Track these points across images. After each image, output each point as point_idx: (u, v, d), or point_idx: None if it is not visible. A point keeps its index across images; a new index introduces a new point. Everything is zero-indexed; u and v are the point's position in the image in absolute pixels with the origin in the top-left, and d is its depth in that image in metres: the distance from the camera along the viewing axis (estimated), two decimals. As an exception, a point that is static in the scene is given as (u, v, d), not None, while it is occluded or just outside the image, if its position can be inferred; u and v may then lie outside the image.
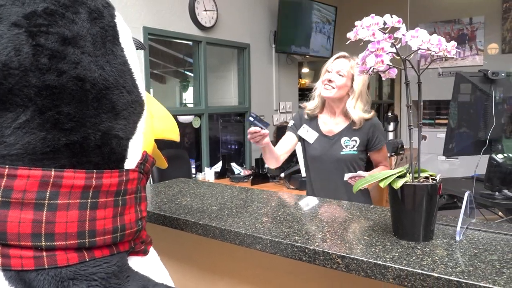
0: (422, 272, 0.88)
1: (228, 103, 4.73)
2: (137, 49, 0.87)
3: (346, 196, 1.89)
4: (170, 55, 4.67)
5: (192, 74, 4.61)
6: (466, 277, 0.84)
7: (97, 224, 0.69)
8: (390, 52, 0.99)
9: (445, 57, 1.02)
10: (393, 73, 1.03)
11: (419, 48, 1.00)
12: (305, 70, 6.83)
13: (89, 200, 0.68)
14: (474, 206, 1.23)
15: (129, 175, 0.75)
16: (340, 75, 1.91)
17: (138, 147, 0.79)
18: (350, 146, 1.94)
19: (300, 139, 2.07)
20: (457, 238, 1.08)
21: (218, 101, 4.66)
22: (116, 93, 0.74)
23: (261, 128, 1.71)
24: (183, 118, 4.29)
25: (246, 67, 4.66)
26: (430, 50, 1.00)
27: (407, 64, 1.04)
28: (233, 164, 3.94)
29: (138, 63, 0.83)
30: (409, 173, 1.09)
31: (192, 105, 4.68)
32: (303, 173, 2.85)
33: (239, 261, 1.44)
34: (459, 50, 1.05)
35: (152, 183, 3.22)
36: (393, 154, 3.99)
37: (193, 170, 4.03)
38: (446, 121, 4.80)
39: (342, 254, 0.99)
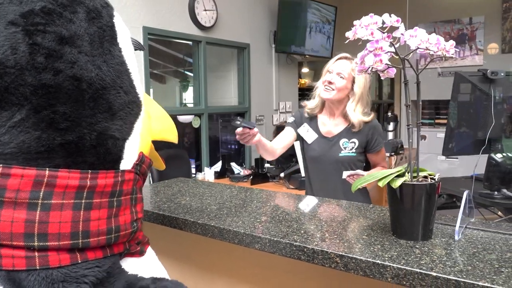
0: (421, 271, 0.88)
1: (228, 103, 4.73)
2: (135, 50, 0.87)
3: (345, 197, 1.88)
4: (170, 55, 4.67)
5: (192, 74, 4.61)
6: (464, 276, 0.84)
7: (91, 225, 0.68)
8: (388, 52, 0.99)
9: (444, 57, 1.02)
10: (392, 72, 1.03)
11: (418, 48, 0.99)
12: (305, 70, 6.82)
13: (83, 201, 0.67)
14: (473, 205, 1.23)
15: (125, 176, 0.75)
16: (340, 77, 1.89)
17: (134, 148, 0.78)
18: (349, 148, 1.94)
19: (299, 137, 2.06)
20: (456, 238, 1.08)
21: (218, 101, 4.66)
22: (113, 93, 0.73)
23: (250, 129, 1.69)
24: (183, 118, 4.30)
25: (246, 67, 4.66)
26: (429, 50, 0.99)
27: (406, 63, 1.04)
28: (233, 164, 3.94)
29: (136, 63, 0.82)
30: (408, 173, 1.09)
31: (192, 105, 4.68)
32: (303, 173, 2.85)
33: (238, 260, 1.44)
34: (457, 50, 1.05)
35: (151, 182, 3.22)
36: (392, 154, 3.99)
37: (193, 170, 4.03)
38: (445, 121, 4.81)
39: (340, 253, 0.99)
